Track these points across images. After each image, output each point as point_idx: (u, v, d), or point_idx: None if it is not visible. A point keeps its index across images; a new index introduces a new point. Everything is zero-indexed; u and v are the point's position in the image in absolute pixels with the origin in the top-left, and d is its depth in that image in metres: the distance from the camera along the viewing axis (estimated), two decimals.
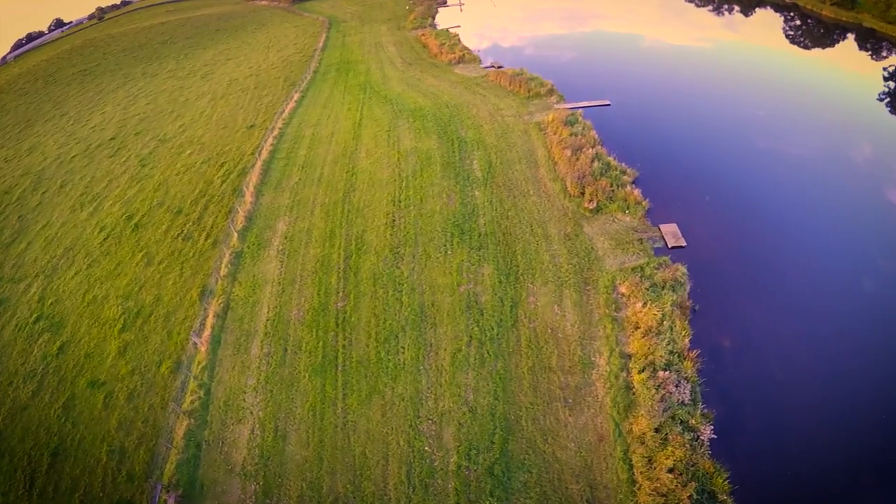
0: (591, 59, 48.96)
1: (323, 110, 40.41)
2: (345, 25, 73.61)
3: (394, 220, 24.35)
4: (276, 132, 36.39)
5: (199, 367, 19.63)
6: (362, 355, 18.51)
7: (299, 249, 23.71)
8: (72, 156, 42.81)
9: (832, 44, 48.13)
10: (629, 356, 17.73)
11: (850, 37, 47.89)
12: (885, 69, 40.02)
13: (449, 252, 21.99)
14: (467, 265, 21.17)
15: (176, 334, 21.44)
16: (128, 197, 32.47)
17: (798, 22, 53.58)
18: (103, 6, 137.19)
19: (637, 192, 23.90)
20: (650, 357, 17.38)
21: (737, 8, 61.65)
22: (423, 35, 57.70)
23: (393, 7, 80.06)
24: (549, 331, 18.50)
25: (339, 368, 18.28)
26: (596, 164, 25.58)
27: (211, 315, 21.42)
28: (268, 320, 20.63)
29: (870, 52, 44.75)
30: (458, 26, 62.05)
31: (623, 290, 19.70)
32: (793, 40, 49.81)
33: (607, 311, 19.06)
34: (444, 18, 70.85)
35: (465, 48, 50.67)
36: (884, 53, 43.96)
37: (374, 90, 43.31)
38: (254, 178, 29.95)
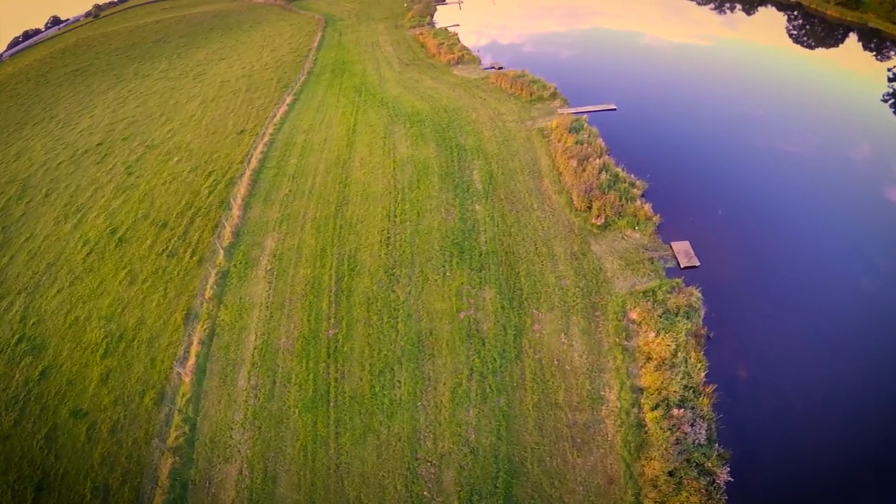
0: (595, 59, 47.38)
1: (316, 115, 38.94)
2: (341, 24, 71.86)
3: (389, 238, 23.01)
4: (266, 138, 34.94)
5: (184, 399, 18.49)
6: (356, 389, 17.31)
7: (288, 270, 22.42)
8: (58, 162, 41.48)
9: (839, 44, 46.55)
10: (641, 390, 16.57)
11: (856, 37, 46.30)
12: (889, 70, 38.54)
13: (448, 274, 20.70)
14: (467, 288, 19.89)
15: (159, 362, 20.29)
16: (112, 208, 31.16)
17: (802, 21, 52.06)
18: (100, 3, 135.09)
19: (647, 206, 22.55)
20: (664, 392, 16.23)
21: (739, 7, 59.96)
22: (421, 34, 56.01)
23: (391, 4, 78.20)
24: (556, 362, 17.28)
25: (331, 404, 17.09)
26: (603, 175, 24.21)
27: (195, 342, 20.22)
28: (255, 349, 19.41)
29: (874, 53, 43.19)
30: (457, 25, 60.35)
31: (634, 316, 18.47)
32: (797, 40, 48.30)
33: (617, 339, 17.84)
34: (443, 17, 69.10)
35: (465, 48, 49.04)
36: (890, 54, 42.42)
37: (370, 93, 41.83)
38: (242, 189, 28.56)
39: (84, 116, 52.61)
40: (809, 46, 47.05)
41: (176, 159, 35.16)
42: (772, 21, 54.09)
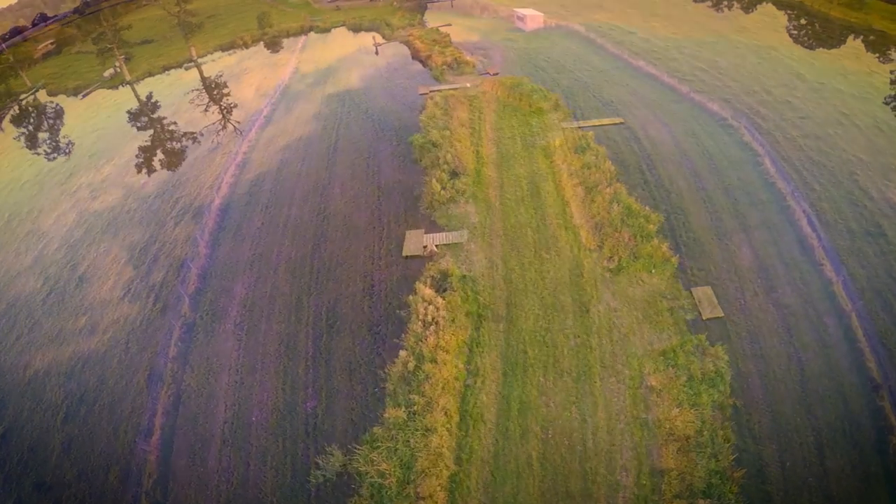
0: (600, 63, 44.25)
1: (295, 128, 36.03)
2: (331, 20, 68.06)
3: (372, 286, 20.55)
4: (239, 158, 32.06)
5: (151, 480, 16.34)
6: None
7: (260, 324, 19.94)
8: (23, 182, 38.56)
9: (847, 45, 43.76)
10: (662, 473, 14.54)
11: (861, 38, 43.53)
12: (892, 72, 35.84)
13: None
14: (464, 351, 17.53)
15: (122, 433, 18.06)
16: (74, 240, 28.54)
17: (804, 21, 49.42)
18: None
19: (665, 246, 20.17)
20: (688, 479, 14.30)
21: (737, 5, 56.91)
22: (410, 35, 52.72)
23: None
24: (566, 443, 15.10)
25: (314, 494, 14.85)
26: (615, 207, 21.76)
27: (160, 412, 17.91)
28: (225, 422, 17.10)
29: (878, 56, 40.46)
30: (450, 25, 56.94)
31: (653, 382, 16.28)
32: (797, 40, 45.66)
33: (635, 412, 15.69)
34: (436, 16, 65.32)
35: (457, 51, 45.93)
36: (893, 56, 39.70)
37: (355, 102, 38.86)
38: (210, 221, 25.85)
39: (57, 126, 49.45)
40: (810, 47, 44.48)
41: (142, 182, 32.41)
42: (776, 22, 51.08)
